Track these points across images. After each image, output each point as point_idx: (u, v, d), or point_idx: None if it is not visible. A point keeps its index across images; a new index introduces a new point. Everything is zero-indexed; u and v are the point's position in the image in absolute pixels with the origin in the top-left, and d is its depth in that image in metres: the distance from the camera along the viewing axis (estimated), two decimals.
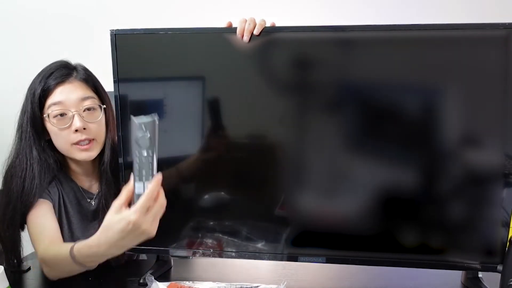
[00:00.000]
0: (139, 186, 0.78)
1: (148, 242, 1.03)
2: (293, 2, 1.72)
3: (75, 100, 1.02)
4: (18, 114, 1.06)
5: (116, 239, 0.79)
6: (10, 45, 1.80)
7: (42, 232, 1.02)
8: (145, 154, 0.76)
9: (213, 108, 0.98)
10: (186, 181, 1.03)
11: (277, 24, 0.96)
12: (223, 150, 1.00)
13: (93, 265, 0.92)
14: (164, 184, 0.79)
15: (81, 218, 1.10)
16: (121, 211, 0.78)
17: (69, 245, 0.90)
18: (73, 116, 1.01)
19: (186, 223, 1.03)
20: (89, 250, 0.86)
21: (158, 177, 0.77)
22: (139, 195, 0.77)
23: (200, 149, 1.00)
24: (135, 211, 0.76)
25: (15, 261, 1.09)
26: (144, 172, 0.77)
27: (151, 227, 0.78)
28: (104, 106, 1.06)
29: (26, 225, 1.06)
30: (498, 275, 0.86)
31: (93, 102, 1.04)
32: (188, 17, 1.72)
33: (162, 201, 0.79)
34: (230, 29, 0.96)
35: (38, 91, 1.02)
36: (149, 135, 0.75)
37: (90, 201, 1.12)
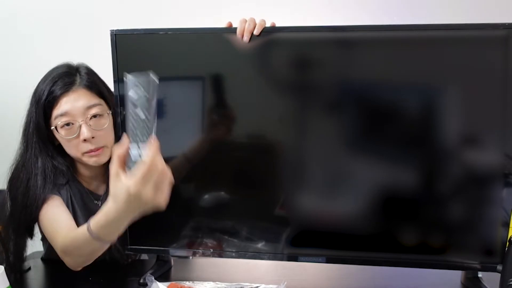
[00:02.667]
0: (135, 152, 0.71)
1: (148, 242, 1.04)
2: (293, 2, 1.72)
3: (80, 108, 1.02)
4: (24, 119, 1.06)
5: (123, 207, 0.74)
6: (12, 46, 1.80)
7: (58, 224, 1.01)
8: (143, 116, 0.69)
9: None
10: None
11: (277, 24, 0.96)
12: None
13: (111, 238, 0.86)
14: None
15: (87, 220, 1.10)
16: (120, 178, 0.71)
17: (86, 224, 0.87)
18: (80, 126, 1.01)
19: (186, 223, 1.03)
20: (103, 219, 0.81)
21: (156, 142, 0.71)
22: (135, 162, 0.70)
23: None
24: (134, 182, 0.69)
25: (17, 262, 1.09)
26: (140, 136, 0.70)
27: (154, 197, 0.71)
28: (111, 111, 1.06)
29: (39, 224, 1.06)
30: (498, 275, 0.86)
31: (99, 109, 1.04)
32: (188, 17, 1.72)
33: (162, 168, 0.71)
34: (230, 29, 0.96)
35: (43, 101, 1.01)
36: (146, 95, 0.68)
37: (97, 203, 1.12)
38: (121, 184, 0.71)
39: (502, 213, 0.91)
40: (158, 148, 0.71)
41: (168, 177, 0.72)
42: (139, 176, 0.69)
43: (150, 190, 0.70)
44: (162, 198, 0.72)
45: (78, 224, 1.09)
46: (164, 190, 0.72)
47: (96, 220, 0.83)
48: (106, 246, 0.90)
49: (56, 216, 1.03)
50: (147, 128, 0.70)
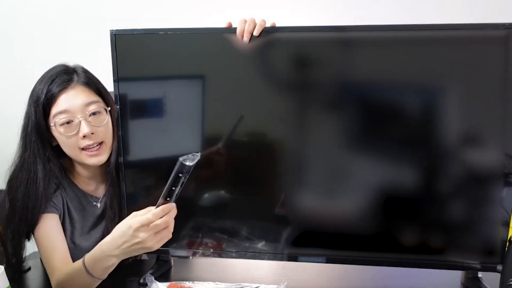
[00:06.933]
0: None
1: None
2: (293, 2, 1.72)
3: (79, 105, 1.01)
4: (22, 120, 1.05)
5: (117, 240, 0.85)
6: (12, 46, 1.80)
7: (53, 254, 1.02)
8: (178, 188, 0.82)
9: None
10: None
11: (277, 24, 0.96)
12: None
13: (102, 273, 0.92)
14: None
15: (85, 223, 1.10)
16: (131, 217, 0.84)
17: (82, 258, 0.93)
18: (80, 122, 1.01)
19: (186, 223, 1.03)
20: (96, 252, 0.89)
21: (174, 209, 0.84)
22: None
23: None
24: (139, 221, 0.82)
25: (16, 262, 1.09)
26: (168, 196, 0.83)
27: (150, 243, 0.84)
28: (109, 108, 1.06)
29: (34, 239, 1.06)
30: (498, 275, 0.86)
31: (98, 106, 1.03)
32: (188, 17, 1.73)
33: (170, 230, 0.85)
34: (230, 30, 0.96)
35: (42, 99, 1.00)
36: (187, 176, 0.81)
37: (95, 204, 1.11)
38: (128, 220, 0.84)
39: (502, 213, 0.91)
40: (174, 213, 0.84)
41: (168, 236, 0.85)
42: (145, 221, 0.82)
43: (148, 235, 0.83)
44: (155, 247, 0.85)
45: (73, 230, 1.09)
46: (161, 243, 0.85)
47: (90, 253, 0.91)
48: (97, 283, 0.94)
49: (51, 243, 1.03)
50: (172, 193, 0.83)
